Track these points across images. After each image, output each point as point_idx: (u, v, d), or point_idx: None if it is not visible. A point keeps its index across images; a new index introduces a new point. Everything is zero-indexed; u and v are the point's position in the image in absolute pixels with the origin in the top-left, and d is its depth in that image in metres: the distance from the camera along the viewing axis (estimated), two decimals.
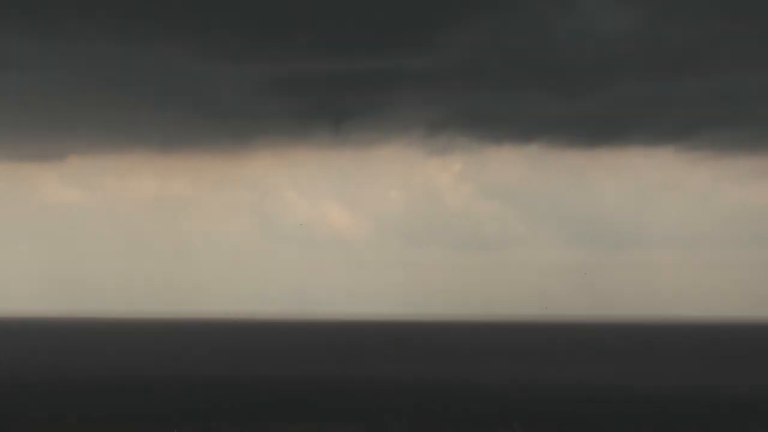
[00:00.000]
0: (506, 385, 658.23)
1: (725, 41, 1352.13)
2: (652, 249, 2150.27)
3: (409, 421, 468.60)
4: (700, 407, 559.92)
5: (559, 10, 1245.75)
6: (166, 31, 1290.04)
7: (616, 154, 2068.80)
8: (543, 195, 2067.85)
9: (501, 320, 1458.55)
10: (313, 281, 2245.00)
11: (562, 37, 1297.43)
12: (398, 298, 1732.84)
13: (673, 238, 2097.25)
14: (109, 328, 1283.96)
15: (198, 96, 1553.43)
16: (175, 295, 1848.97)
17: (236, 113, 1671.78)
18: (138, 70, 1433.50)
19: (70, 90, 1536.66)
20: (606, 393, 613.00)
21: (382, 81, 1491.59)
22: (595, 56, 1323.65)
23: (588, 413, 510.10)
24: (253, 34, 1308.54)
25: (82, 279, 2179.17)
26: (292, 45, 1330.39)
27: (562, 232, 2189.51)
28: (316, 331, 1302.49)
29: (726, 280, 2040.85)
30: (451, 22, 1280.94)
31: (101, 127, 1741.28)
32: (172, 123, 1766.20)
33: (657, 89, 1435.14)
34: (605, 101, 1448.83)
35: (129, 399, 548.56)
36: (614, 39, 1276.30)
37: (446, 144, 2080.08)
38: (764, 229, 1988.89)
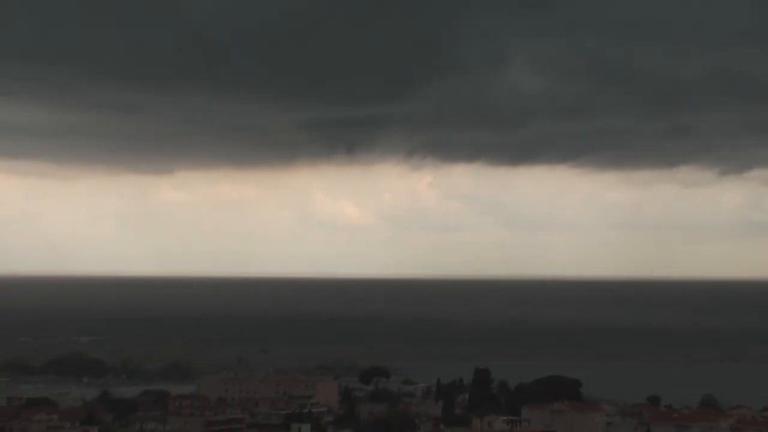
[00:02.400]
0: (459, 319, 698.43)
1: (603, 96, 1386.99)
2: (552, 231, 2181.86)
3: (398, 343, 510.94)
4: (581, 332, 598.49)
5: (496, 74, 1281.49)
6: (238, 88, 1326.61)
7: (530, 170, 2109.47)
8: (483, 196, 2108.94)
9: (457, 278, 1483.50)
10: (334, 252, 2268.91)
11: (496, 92, 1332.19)
12: (389, 264, 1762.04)
13: (565, 224, 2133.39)
14: (200, 284, 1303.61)
15: (259, 131, 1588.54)
16: (245, 260, 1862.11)
17: (284, 142, 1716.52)
18: (220, 113, 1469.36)
19: (176, 127, 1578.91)
20: (522, 325, 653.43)
21: (379, 121, 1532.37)
22: (518, 105, 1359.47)
23: (510, 336, 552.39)
24: (295, 92, 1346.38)
25: (183, 251, 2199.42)
26: (320, 98, 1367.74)
27: (495, 220, 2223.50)
28: (337, 285, 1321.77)
29: (598, 252, 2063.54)
30: (423, 82, 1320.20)
31: (197, 151, 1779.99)
32: (242, 148, 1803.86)
33: (557, 127, 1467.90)
34: (524, 135, 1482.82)
35: (211, 329, 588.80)
36: (531, 94, 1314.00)
37: (421, 163, 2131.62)
38: (627, 219, 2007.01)
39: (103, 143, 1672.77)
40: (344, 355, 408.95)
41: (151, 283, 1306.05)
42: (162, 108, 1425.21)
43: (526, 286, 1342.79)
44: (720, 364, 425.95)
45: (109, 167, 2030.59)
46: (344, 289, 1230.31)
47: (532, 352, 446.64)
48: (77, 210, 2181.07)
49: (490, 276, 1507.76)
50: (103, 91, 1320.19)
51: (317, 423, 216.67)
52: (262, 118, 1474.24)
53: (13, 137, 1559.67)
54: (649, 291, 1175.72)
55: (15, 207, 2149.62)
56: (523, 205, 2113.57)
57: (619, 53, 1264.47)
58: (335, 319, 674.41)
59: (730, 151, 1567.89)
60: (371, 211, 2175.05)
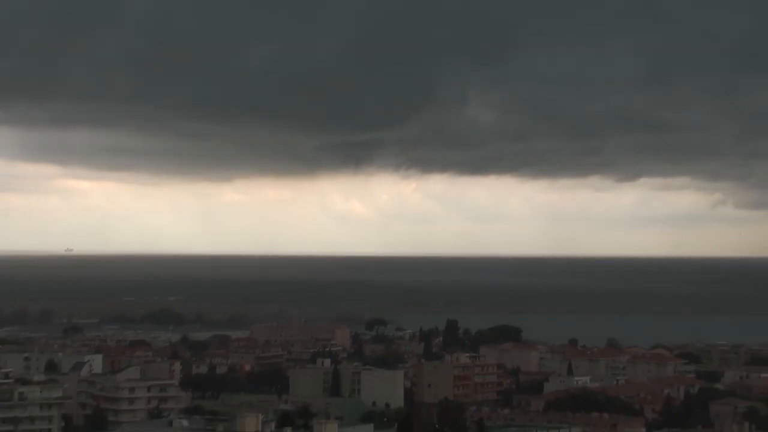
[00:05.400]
0: (435, 285, 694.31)
1: (536, 126, 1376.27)
2: (500, 222, 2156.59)
3: (392, 302, 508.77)
4: (521, 293, 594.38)
5: (461, 110, 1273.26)
6: (278, 120, 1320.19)
7: (484, 178, 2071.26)
8: (452, 198, 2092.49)
9: (433, 256, 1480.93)
10: (345, 237, 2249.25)
11: (461, 123, 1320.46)
12: (385, 245, 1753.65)
13: (509, 217, 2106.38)
14: (250, 260, 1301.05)
15: (293, 150, 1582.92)
16: (282, 243, 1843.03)
17: (310, 159, 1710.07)
18: (265, 138, 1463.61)
19: (235, 148, 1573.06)
20: (479, 289, 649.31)
21: (378, 143, 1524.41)
22: (476, 132, 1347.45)
23: (471, 297, 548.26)
24: (318, 123, 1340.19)
25: (239, 237, 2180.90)
26: (335, 127, 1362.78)
27: (460, 215, 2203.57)
28: (347, 260, 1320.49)
29: (532, 237, 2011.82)
30: (409, 115, 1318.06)
31: (249, 165, 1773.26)
32: (281, 163, 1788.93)
33: (504, 148, 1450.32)
34: (480, 153, 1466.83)
35: (259, 291, 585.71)
36: (485, 124, 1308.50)
37: (407, 173, 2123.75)
38: (553, 213, 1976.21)
39: (183, 160, 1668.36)
40: (354, 310, 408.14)
41: (217, 259, 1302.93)
42: (225, 134, 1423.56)
43: (482, 261, 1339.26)
44: (619, 316, 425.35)
45: (186, 177, 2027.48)
46: (353, 263, 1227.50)
47: (486, 308, 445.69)
48: (164, 207, 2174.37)
49: (457, 254, 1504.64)
50: (183, 122, 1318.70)
51: (335, 358, 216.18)
52: (295, 141, 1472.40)
53: (121, 155, 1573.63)
54: (569, 265, 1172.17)
55: (121, 205, 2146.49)
56: (479, 204, 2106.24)
57: (547, 96, 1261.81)
58: (347, 284, 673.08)
59: (625, 165, 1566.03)
60: (372, 208, 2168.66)
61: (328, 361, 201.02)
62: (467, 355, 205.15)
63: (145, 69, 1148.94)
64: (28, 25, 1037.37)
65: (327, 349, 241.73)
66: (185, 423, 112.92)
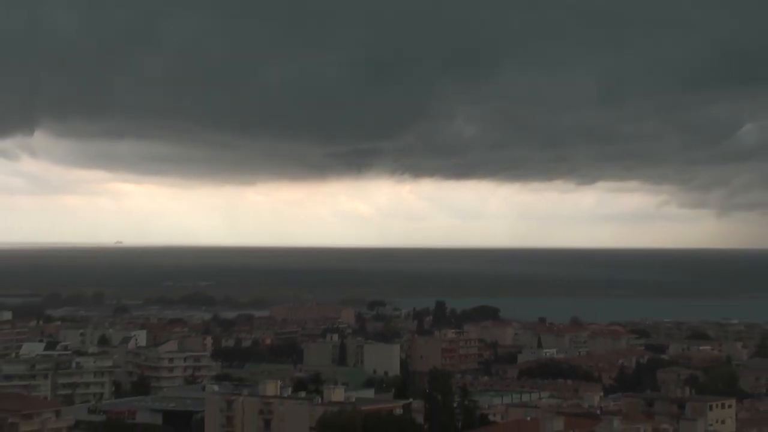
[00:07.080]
0: (426, 272, 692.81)
1: (512, 138, 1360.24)
2: (481, 219, 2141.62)
3: (390, 286, 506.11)
4: (498, 279, 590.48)
5: (448, 124, 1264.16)
6: (293, 132, 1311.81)
7: (467, 182, 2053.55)
8: (440, 199, 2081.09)
9: (424, 247, 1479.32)
10: (350, 232, 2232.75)
11: (448, 134, 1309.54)
12: (384, 239, 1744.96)
13: (488, 215, 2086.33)
14: (270, 251, 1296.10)
15: (305, 158, 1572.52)
16: (297, 237, 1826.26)
17: (320, 165, 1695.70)
18: (282, 147, 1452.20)
19: (256, 156, 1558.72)
20: (463, 275, 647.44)
21: (376, 152, 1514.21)
22: (461, 142, 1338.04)
23: (457, 282, 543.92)
24: (326, 134, 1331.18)
25: (261, 231, 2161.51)
26: (341, 138, 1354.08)
27: (447, 213, 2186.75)
28: (352, 251, 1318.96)
29: (508, 231, 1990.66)
30: (404, 127, 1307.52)
31: (269, 171, 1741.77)
32: (295, 169, 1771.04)
33: (484, 156, 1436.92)
34: (464, 160, 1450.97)
35: (278, 277, 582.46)
36: (468, 136, 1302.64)
37: (402, 178, 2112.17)
38: (525, 212, 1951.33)
39: (212, 166, 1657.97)
40: (357, 293, 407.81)
41: (241, 250, 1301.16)
42: (248, 144, 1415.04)
43: (465, 252, 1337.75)
44: (581, 297, 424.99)
45: (215, 181, 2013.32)
46: (356, 254, 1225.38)
47: (469, 291, 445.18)
48: (197, 207, 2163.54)
49: (444, 246, 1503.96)
50: (211, 133, 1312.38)
51: (342, 334, 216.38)
52: (307, 150, 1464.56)
53: (160, 163, 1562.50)
54: (539, 255, 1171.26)
55: (161, 205, 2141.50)
56: (463, 204, 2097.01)
57: (521, 113, 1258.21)
58: (351, 272, 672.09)
59: (586, 170, 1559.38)
60: (372, 207, 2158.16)
61: (335, 336, 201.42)
62: (453, 331, 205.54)
63: (180, 88, 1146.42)
64: (80, 53, 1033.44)
65: (335, 326, 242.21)
66: (216, 388, 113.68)
